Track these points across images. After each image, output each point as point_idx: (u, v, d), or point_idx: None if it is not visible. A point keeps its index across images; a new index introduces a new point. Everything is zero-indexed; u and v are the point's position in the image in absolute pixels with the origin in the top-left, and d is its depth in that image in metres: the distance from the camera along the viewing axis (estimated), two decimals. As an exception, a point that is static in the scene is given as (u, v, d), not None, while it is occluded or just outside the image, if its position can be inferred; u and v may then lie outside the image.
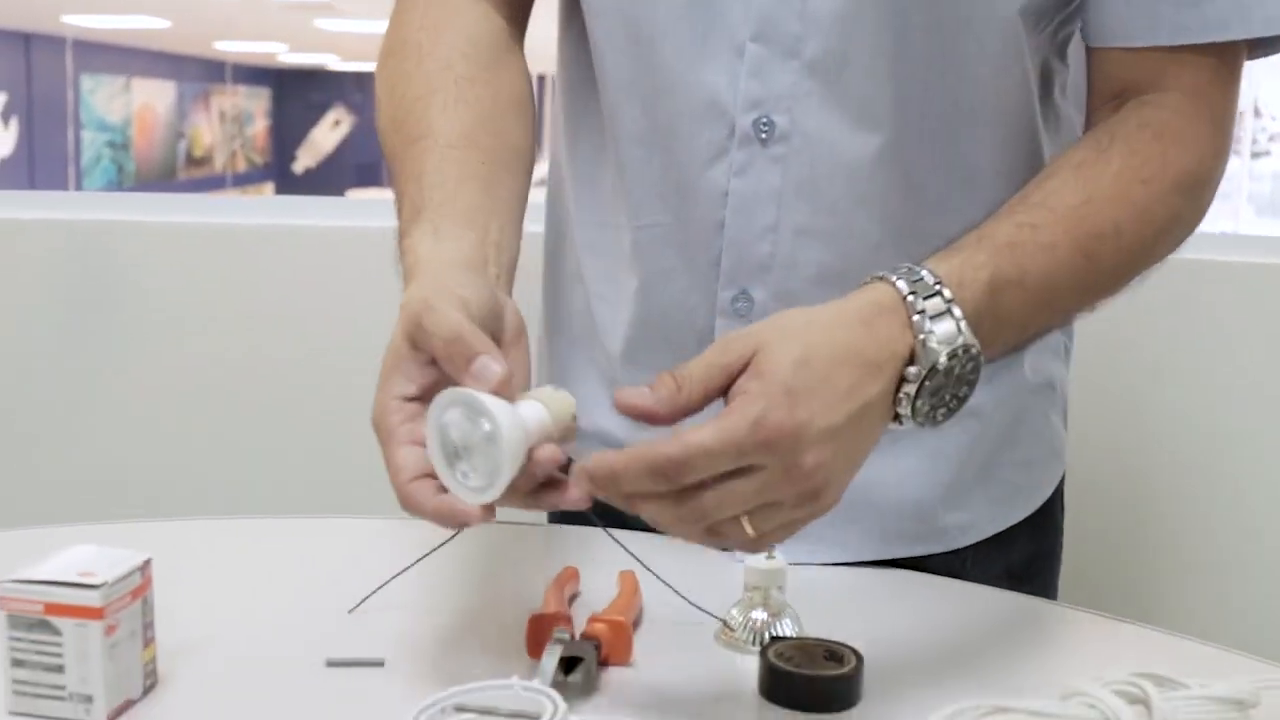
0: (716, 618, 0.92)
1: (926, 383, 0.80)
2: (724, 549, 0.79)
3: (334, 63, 14.48)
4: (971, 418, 1.01)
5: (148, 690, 0.81)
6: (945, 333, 0.80)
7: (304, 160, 14.49)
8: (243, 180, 14.32)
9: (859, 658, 0.84)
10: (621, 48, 1.02)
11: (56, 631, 0.76)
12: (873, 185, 0.99)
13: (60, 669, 0.77)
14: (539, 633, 0.86)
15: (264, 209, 1.95)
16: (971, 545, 1.10)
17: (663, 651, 0.89)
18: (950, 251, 0.85)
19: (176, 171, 13.54)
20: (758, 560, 0.90)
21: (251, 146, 14.81)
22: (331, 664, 0.86)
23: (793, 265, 1.00)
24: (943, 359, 0.80)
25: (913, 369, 0.80)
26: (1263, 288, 1.77)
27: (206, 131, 14.07)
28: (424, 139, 0.96)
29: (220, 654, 0.88)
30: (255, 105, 14.77)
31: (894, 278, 0.82)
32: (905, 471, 1.05)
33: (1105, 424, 1.73)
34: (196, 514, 1.16)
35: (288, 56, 14.28)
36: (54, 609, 0.76)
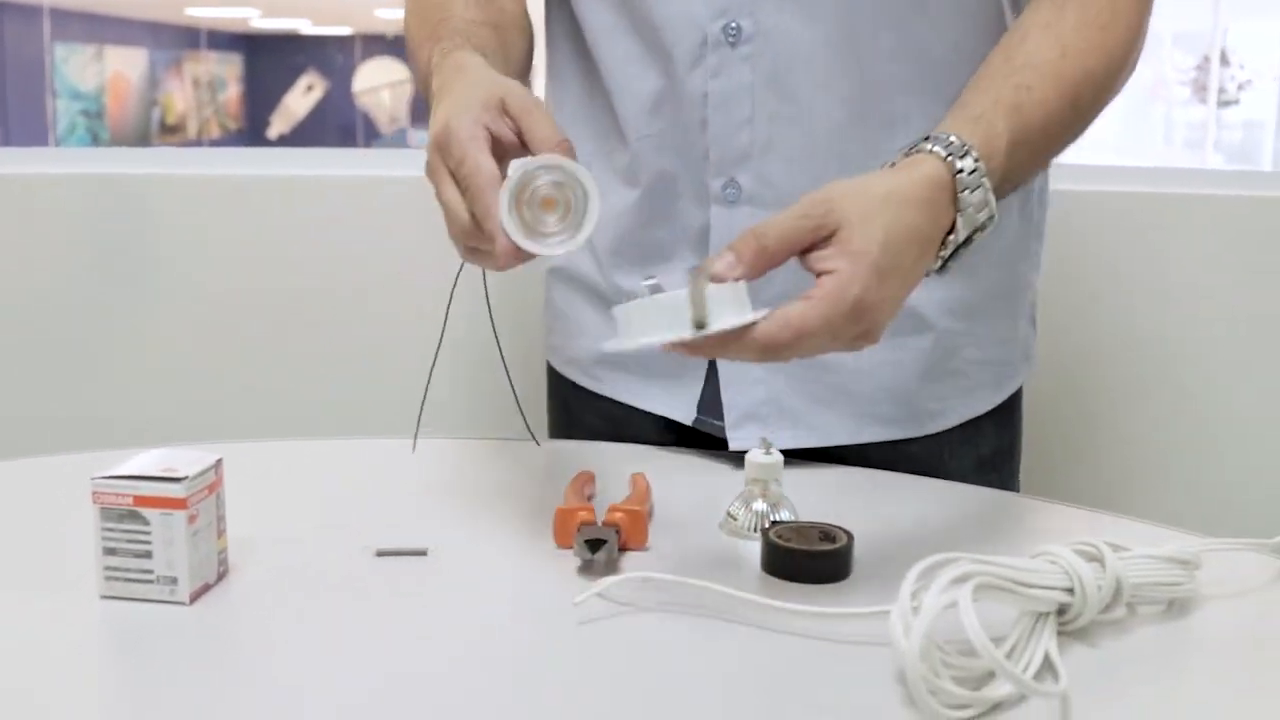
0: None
1: (960, 249, 0.93)
2: None
3: (306, 28, 14.44)
4: (926, 328, 1.17)
5: (221, 576, 0.91)
6: (978, 202, 0.92)
7: (278, 126, 14.47)
8: (216, 146, 14.29)
9: (849, 536, 0.94)
10: None
11: (145, 521, 0.86)
12: (829, 73, 1.11)
13: (149, 554, 0.87)
14: (565, 523, 0.97)
15: (272, 160, 2.02)
16: (946, 434, 1.22)
17: (674, 538, 1.00)
18: (972, 118, 0.96)
19: (150, 139, 13.50)
20: (757, 455, 1.01)
21: (225, 113, 14.77)
22: (381, 553, 0.96)
23: (769, 150, 1.12)
24: (977, 230, 0.93)
25: (951, 236, 0.92)
26: (1222, 217, 1.86)
27: (179, 98, 14.03)
28: (448, 20, 1.08)
29: (281, 548, 0.98)
30: (228, 71, 14.72)
31: (943, 152, 0.92)
32: (878, 363, 1.17)
33: (1064, 329, 1.83)
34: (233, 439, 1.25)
35: (260, 22, 14.24)
36: (143, 500, 0.86)
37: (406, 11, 1.17)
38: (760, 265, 0.85)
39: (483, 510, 1.07)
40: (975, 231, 0.93)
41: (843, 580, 0.93)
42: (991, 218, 0.94)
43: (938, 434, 1.22)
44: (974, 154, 0.92)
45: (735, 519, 1.01)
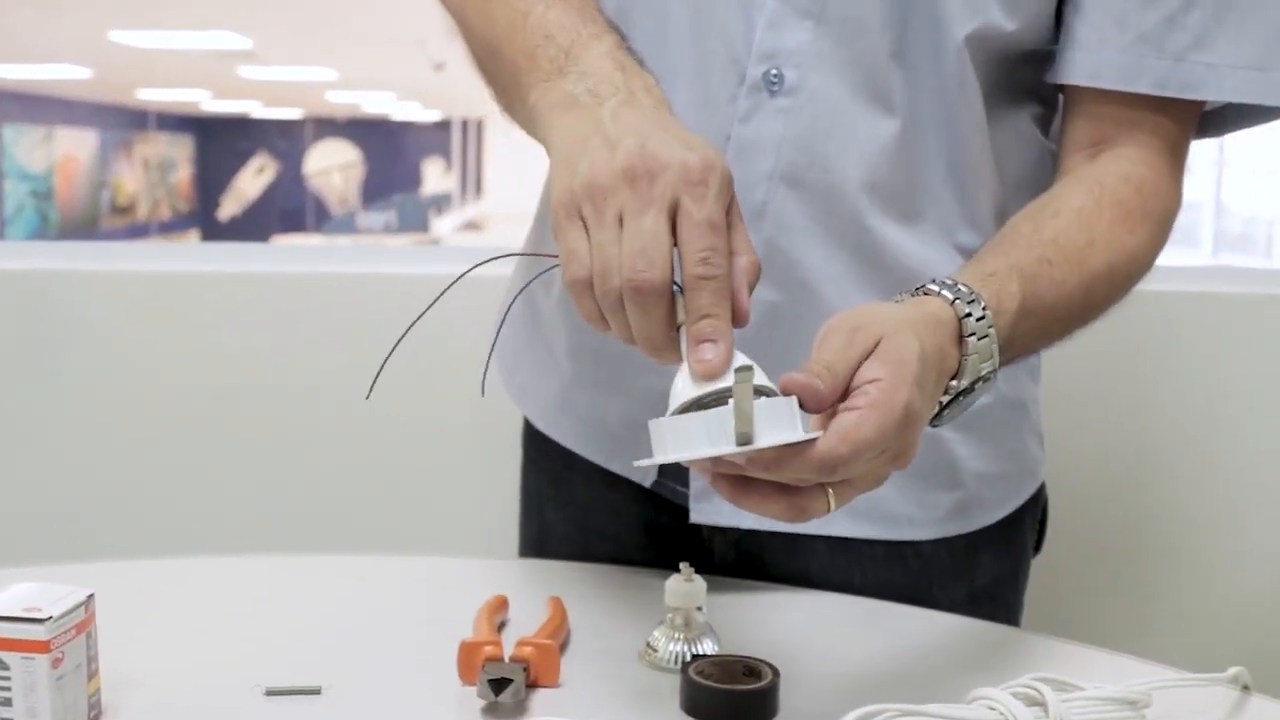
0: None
1: (960, 396, 0.87)
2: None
3: (257, 110, 14.44)
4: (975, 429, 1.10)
5: (92, 721, 0.84)
6: (984, 351, 0.87)
7: (229, 207, 14.43)
8: (167, 228, 14.21)
9: (775, 672, 0.88)
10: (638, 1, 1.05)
11: (4, 665, 0.79)
12: (868, 151, 1.03)
13: (8, 702, 0.79)
14: (470, 658, 0.90)
15: (190, 256, 1.97)
16: (935, 561, 1.14)
17: (588, 672, 0.93)
18: (987, 275, 0.91)
19: (100, 220, 13.42)
20: (677, 582, 0.94)
21: (176, 194, 14.71)
22: (270, 693, 0.89)
23: (782, 215, 1.04)
24: (978, 381, 0.88)
25: (954, 382, 0.87)
26: (1230, 318, 1.85)
27: (130, 180, 13.97)
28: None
29: (161, 685, 0.90)
30: (179, 153, 14.69)
31: (949, 295, 0.87)
32: None
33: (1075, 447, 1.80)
34: (129, 555, 1.18)
35: (211, 104, 14.23)
36: (2, 643, 0.79)
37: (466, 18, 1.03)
38: (836, 398, 0.78)
39: (386, 638, 1.00)
40: (976, 381, 0.88)
41: (768, 721, 0.86)
42: (994, 372, 0.89)
43: (928, 561, 1.14)
44: (982, 304, 0.88)
45: (655, 650, 0.95)
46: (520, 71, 0.92)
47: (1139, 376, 1.84)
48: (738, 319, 0.79)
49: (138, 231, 13.66)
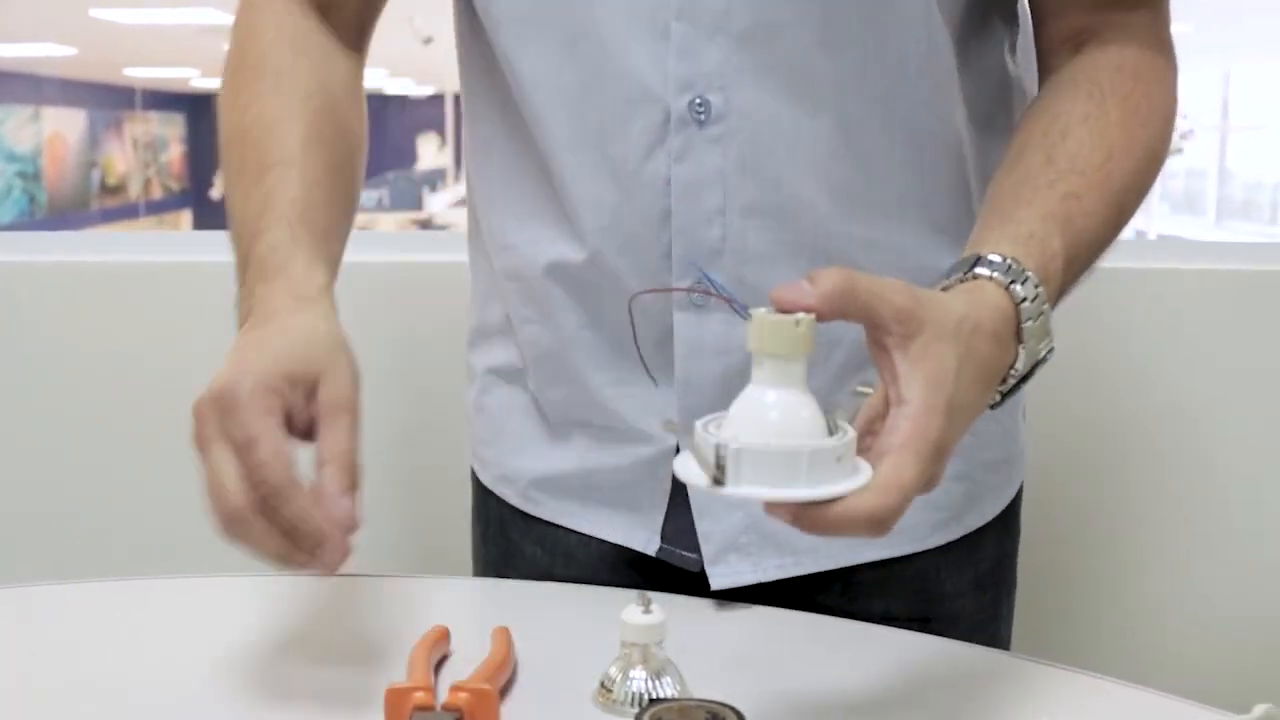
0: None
1: (1020, 383, 0.83)
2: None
3: (248, 86, 14.35)
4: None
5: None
6: (1039, 332, 0.82)
7: (221, 186, 14.35)
8: (159, 208, 14.13)
9: (741, 718, 0.78)
10: (537, 52, 0.99)
11: None
12: (816, 155, 0.96)
13: None
14: (397, 706, 0.80)
15: (155, 246, 1.89)
16: (944, 550, 1.09)
17: (536, 715, 0.83)
18: (1025, 237, 0.85)
19: (90, 201, 13.33)
20: (634, 616, 0.84)
21: (167, 173, 14.61)
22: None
23: (744, 247, 0.97)
24: (1038, 363, 0.83)
25: (1013, 372, 0.82)
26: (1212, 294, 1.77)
27: (120, 160, 13.87)
28: (285, 166, 0.97)
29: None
30: (170, 131, 14.58)
31: (1003, 279, 0.81)
32: None
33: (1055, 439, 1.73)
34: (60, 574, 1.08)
35: (200, 81, 14.11)
36: None
37: (224, 100, 1.05)
38: (835, 306, 0.71)
39: (310, 678, 0.90)
40: (1036, 364, 0.82)
41: (733, 777, 0.76)
42: (1051, 350, 0.83)
43: (934, 550, 1.08)
44: (1032, 279, 0.82)
45: (609, 691, 0.85)
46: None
47: (1120, 363, 1.77)
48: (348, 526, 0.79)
49: (129, 211, 13.58)
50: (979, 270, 0.82)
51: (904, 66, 0.97)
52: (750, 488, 0.69)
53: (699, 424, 0.71)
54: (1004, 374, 0.81)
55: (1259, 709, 0.81)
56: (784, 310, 0.70)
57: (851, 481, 0.69)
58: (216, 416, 0.78)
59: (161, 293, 1.80)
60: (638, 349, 0.94)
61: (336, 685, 0.88)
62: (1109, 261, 1.71)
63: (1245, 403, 1.76)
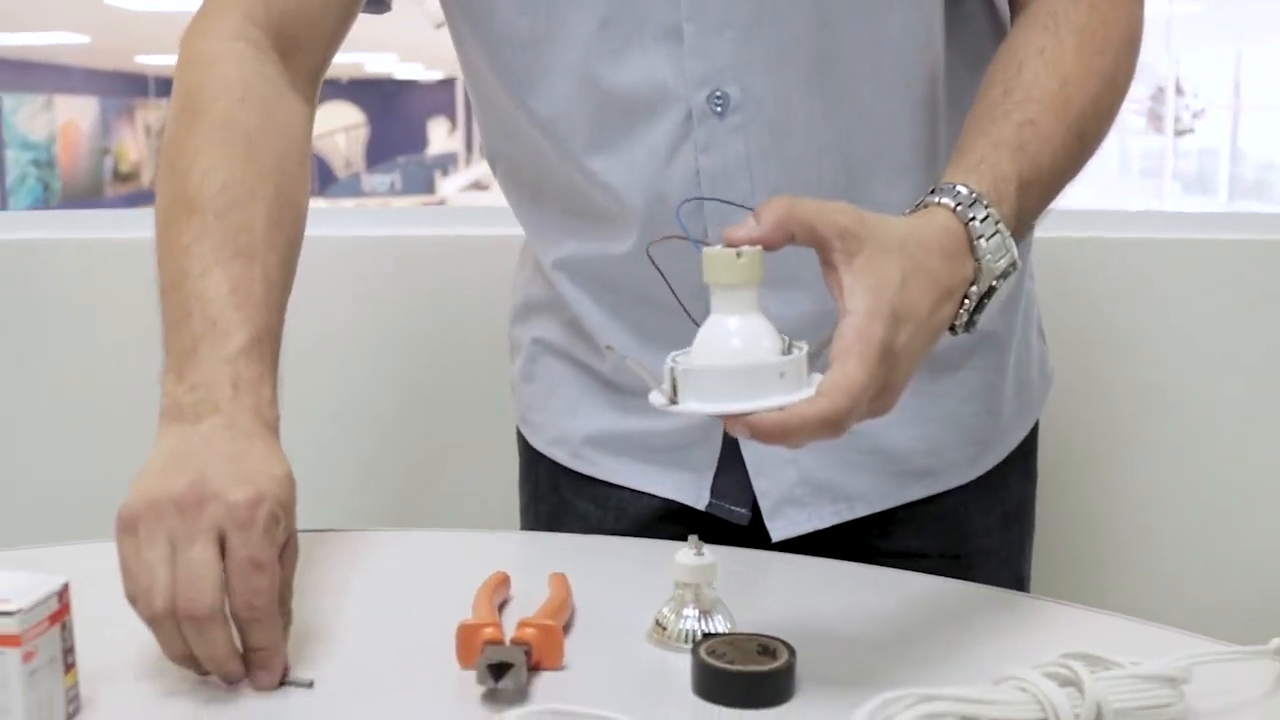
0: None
1: (984, 300, 0.86)
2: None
3: (260, 73, 14.36)
4: (991, 352, 1.11)
5: (71, 716, 0.79)
6: (996, 250, 0.85)
7: (233, 172, 14.36)
8: (170, 195, 14.17)
9: (791, 651, 0.83)
10: (554, 72, 1.03)
11: (-28, 661, 0.74)
12: (830, 133, 1.01)
13: (-23, 699, 0.75)
14: (469, 641, 0.85)
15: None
16: (973, 488, 1.15)
17: (594, 653, 0.89)
18: (976, 164, 0.89)
19: (104, 188, 13.33)
20: (687, 557, 0.89)
21: (179, 160, 14.65)
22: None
23: None
24: (998, 278, 0.86)
25: (974, 288, 0.85)
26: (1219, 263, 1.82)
27: (132, 146, 13.88)
28: (205, 267, 0.92)
29: (145, 677, 0.86)
30: (181, 118, 14.61)
31: (951, 203, 0.85)
32: (909, 413, 1.06)
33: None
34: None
35: (211, 68, 14.15)
36: (-31, 638, 0.74)
37: (169, 171, 0.97)
38: (780, 233, 0.77)
39: (383, 623, 0.95)
40: (998, 279, 0.86)
41: (784, 704, 0.81)
42: (1014, 264, 0.86)
43: (964, 489, 1.14)
44: (983, 201, 0.86)
45: (664, 629, 0.90)
46: (163, 339, 0.93)
47: (1133, 329, 1.81)
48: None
49: (143, 198, 13.59)
50: (928, 199, 0.87)
51: (901, 36, 1.01)
52: (698, 404, 0.76)
53: (670, 355, 0.78)
54: (962, 290, 0.85)
55: (1276, 641, 0.86)
56: (731, 245, 0.77)
57: (797, 393, 0.75)
58: (184, 515, 0.81)
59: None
60: (676, 298, 0.99)
61: (407, 627, 0.94)
62: (1120, 233, 1.77)
63: (1252, 361, 1.81)
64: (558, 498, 1.23)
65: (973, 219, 0.85)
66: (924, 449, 1.12)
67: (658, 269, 0.90)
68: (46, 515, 1.82)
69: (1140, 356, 1.81)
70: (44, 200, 12.20)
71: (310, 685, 0.85)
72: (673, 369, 0.77)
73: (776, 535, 1.09)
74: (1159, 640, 0.92)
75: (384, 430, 1.83)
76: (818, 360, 0.78)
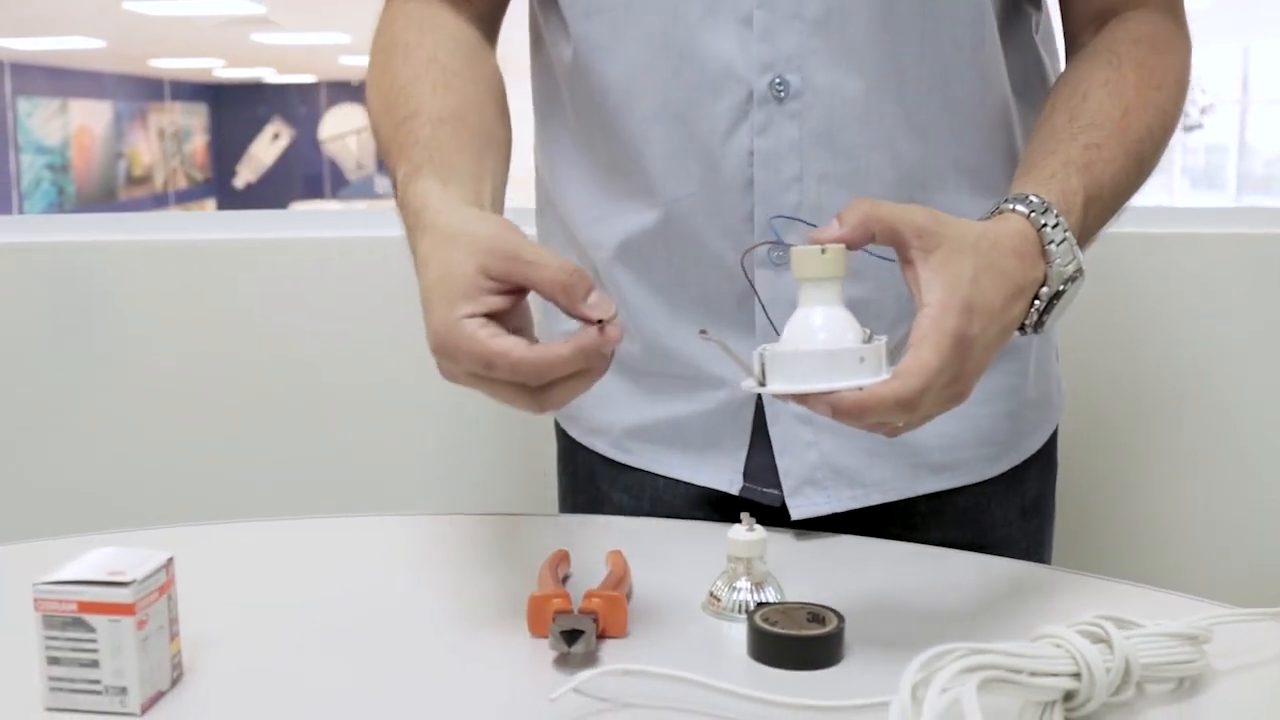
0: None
1: (1053, 301, 0.94)
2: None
3: (271, 76, 14.41)
4: (1013, 358, 1.17)
5: (175, 681, 0.86)
6: (1065, 256, 0.93)
7: (245, 175, 14.41)
8: (184, 197, 14.22)
9: (840, 618, 0.90)
10: (628, 40, 1.09)
11: (90, 629, 0.81)
12: (882, 128, 1.08)
13: (95, 664, 0.81)
14: (539, 611, 0.92)
15: (234, 224, 1.98)
16: (993, 482, 1.20)
17: (655, 623, 0.95)
18: (1047, 178, 0.97)
19: (117, 192, 13.42)
20: (740, 533, 0.96)
21: (191, 163, 14.69)
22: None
23: (819, 210, 1.07)
24: (1066, 281, 0.93)
25: (1044, 289, 0.93)
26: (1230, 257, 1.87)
27: (145, 150, 13.95)
28: (414, 116, 1.02)
29: (240, 645, 0.92)
30: (193, 121, 14.66)
31: (1025, 210, 0.93)
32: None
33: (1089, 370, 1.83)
34: (190, 520, 1.20)
35: (224, 72, 14.20)
36: (88, 607, 0.80)
37: (369, 104, 1.10)
38: (862, 232, 0.85)
39: (452, 594, 1.02)
40: (1066, 283, 0.94)
41: (834, 665, 0.88)
42: (1080, 270, 0.94)
43: (984, 483, 1.20)
44: (1053, 209, 0.93)
45: (719, 600, 0.97)
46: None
47: (1148, 318, 1.87)
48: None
49: (156, 202, 13.67)
50: (1004, 206, 0.95)
51: (957, 46, 1.08)
52: (785, 384, 0.84)
53: (760, 347, 0.86)
54: (1034, 290, 0.92)
55: (1288, 605, 0.92)
56: (818, 241, 0.85)
57: (875, 377, 0.83)
58: (449, 361, 0.86)
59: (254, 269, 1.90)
60: (758, 298, 1.04)
61: (478, 601, 1.00)
62: (1137, 227, 1.82)
63: (1256, 354, 1.86)
64: (594, 489, 1.28)
65: (1044, 225, 0.93)
66: (942, 445, 1.17)
67: (747, 276, 1.02)
68: (112, 506, 1.88)
69: (1151, 350, 1.86)
70: (59, 204, 12.25)
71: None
72: (761, 354, 0.85)
73: (796, 514, 1.15)
74: (1179, 606, 0.98)
75: (420, 421, 1.89)
76: (896, 354, 0.85)
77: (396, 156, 1.01)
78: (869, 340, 0.84)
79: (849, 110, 1.07)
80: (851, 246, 0.85)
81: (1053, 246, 0.93)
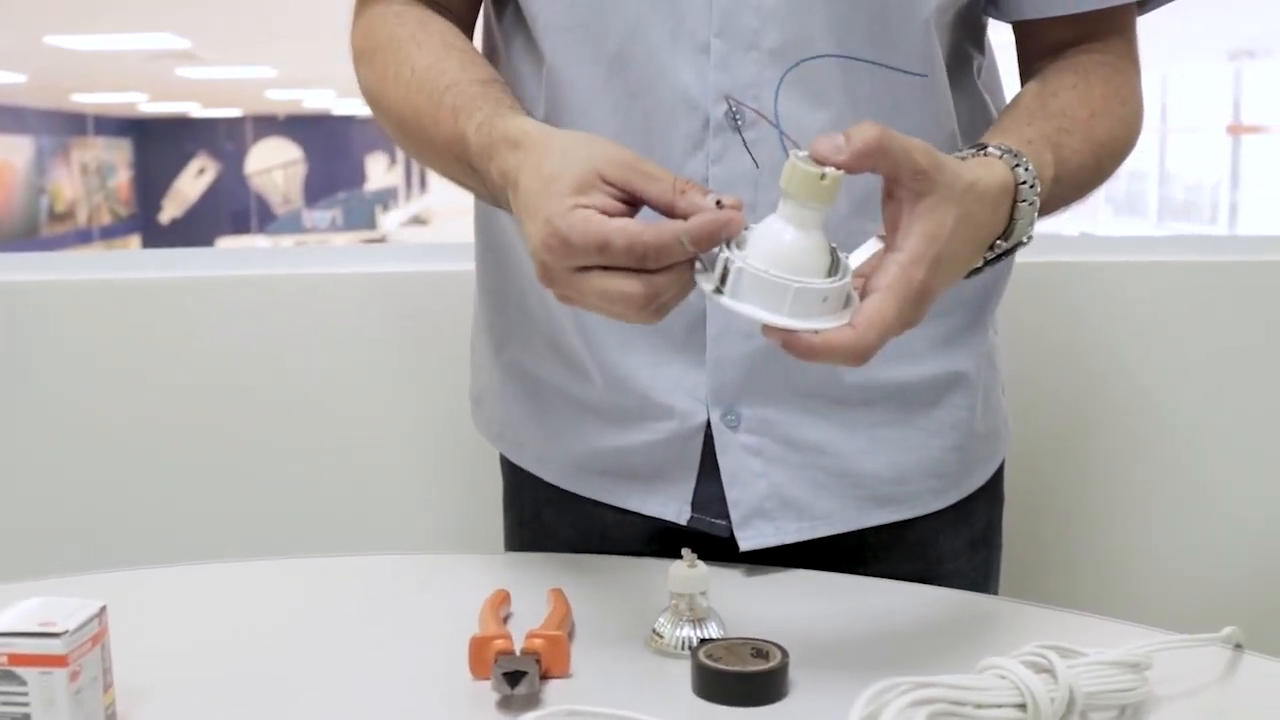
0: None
1: (1001, 257, 0.95)
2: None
3: (196, 110, 14.32)
4: (962, 392, 1.17)
5: (109, 732, 0.84)
6: (1027, 218, 0.94)
7: (170, 210, 14.30)
8: (109, 233, 14.09)
9: (784, 653, 0.89)
10: (587, 60, 1.09)
11: (21, 681, 0.79)
12: None
13: (27, 718, 0.79)
14: (481, 652, 0.91)
15: (161, 262, 1.95)
16: (941, 515, 1.20)
17: (599, 661, 0.94)
18: (1024, 140, 0.98)
19: (39, 228, 13.27)
20: (680, 569, 0.95)
21: (115, 199, 14.57)
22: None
23: None
24: (1022, 240, 0.95)
25: (1000, 242, 0.94)
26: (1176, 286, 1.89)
27: (68, 186, 13.82)
28: (455, 85, 1.02)
29: (174, 694, 0.91)
30: (117, 156, 14.55)
31: (1012, 163, 0.93)
32: (880, 441, 1.15)
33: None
34: (121, 565, 1.18)
35: (148, 106, 14.10)
36: (18, 659, 0.79)
37: (376, 81, 1.11)
38: (865, 162, 0.83)
39: (395, 639, 1.00)
40: (1016, 245, 0.95)
41: (780, 701, 0.88)
42: (1029, 238, 0.95)
43: (933, 516, 1.20)
44: (1031, 170, 0.94)
45: (661, 637, 0.96)
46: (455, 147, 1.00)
47: (1093, 346, 1.88)
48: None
49: (79, 238, 13.53)
50: (990, 149, 0.95)
51: (908, 80, 1.08)
52: (740, 304, 0.82)
53: (724, 244, 0.83)
54: (991, 241, 0.93)
55: (1226, 630, 0.93)
56: (818, 161, 0.83)
57: (832, 320, 0.81)
58: (561, 259, 0.85)
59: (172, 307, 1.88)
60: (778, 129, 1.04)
61: (419, 643, 0.99)
62: (1075, 257, 1.84)
63: (1200, 380, 1.88)
64: (539, 525, 1.27)
65: (1022, 183, 0.93)
66: (891, 477, 1.17)
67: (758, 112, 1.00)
68: (41, 551, 1.85)
69: (1095, 375, 1.88)
70: (-22, 241, 12.04)
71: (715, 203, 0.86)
72: (728, 260, 0.82)
73: (745, 545, 1.14)
74: (1122, 634, 0.98)
75: (361, 457, 1.87)
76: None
77: (456, 114, 1.00)
78: (835, 263, 0.83)
79: (801, 139, 1.07)
80: (849, 173, 0.83)
81: (1023, 205, 0.93)
